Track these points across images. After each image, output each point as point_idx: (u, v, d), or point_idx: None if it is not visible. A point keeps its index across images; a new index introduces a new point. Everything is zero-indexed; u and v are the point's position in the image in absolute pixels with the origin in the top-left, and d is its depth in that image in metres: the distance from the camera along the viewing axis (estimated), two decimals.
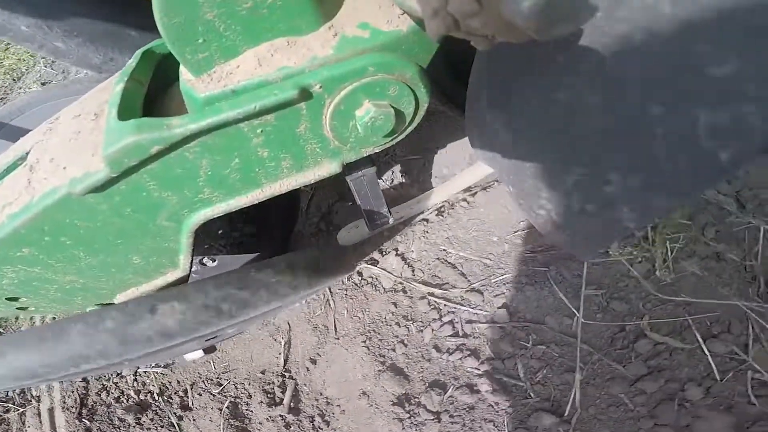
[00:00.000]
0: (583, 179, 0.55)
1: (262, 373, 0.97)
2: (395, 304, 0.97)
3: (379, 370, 0.90)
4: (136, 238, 0.73)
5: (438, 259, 1.01)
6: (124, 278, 0.79)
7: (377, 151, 0.71)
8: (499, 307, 0.94)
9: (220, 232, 0.95)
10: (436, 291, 0.96)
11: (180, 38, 0.56)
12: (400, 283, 1.00)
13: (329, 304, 0.99)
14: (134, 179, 0.64)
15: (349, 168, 0.80)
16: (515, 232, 1.01)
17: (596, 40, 0.45)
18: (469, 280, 0.98)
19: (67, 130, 0.69)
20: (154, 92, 0.70)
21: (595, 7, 0.34)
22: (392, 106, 0.62)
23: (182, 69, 0.63)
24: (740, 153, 0.43)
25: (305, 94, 0.57)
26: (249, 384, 0.96)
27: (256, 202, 0.72)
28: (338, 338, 0.95)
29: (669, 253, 1.02)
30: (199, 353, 0.83)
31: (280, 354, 0.96)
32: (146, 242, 0.74)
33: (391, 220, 0.89)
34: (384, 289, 1.00)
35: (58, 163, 0.67)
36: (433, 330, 0.94)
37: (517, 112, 0.59)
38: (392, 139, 0.69)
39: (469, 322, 0.93)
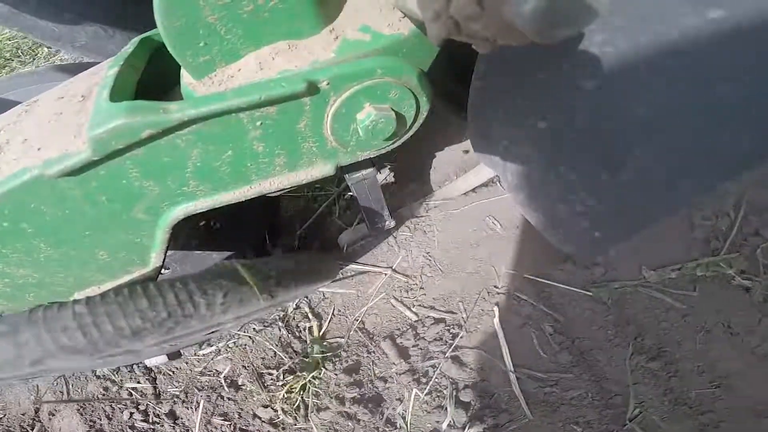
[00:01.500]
0: (585, 182, 0.57)
1: (23, 414, 1.35)
2: (106, 389, 1.32)
3: (88, 431, 1.27)
4: (106, 230, 0.68)
5: (141, 365, 1.33)
6: (85, 275, 0.73)
7: (374, 155, 0.72)
8: (166, 413, 1.25)
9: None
10: (138, 386, 1.31)
11: (181, 41, 0.57)
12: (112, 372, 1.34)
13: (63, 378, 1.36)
14: (116, 164, 0.61)
15: (350, 170, 0.81)
16: (195, 354, 1.28)
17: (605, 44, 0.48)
18: (156, 385, 1.31)
19: (47, 111, 0.66)
20: (150, 83, 0.69)
21: (597, 11, 0.37)
22: (393, 110, 0.63)
23: (183, 72, 0.63)
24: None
25: (312, 89, 0.58)
26: (15, 421, 1.35)
27: (243, 199, 0.70)
28: (67, 403, 1.33)
29: (299, 402, 1.01)
30: (163, 358, 0.76)
31: (33, 404, 1.36)
32: (117, 236, 0.70)
33: (392, 222, 0.90)
34: (98, 376, 1.34)
35: (31, 144, 0.63)
36: (131, 413, 1.25)
37: (522, 116, 0.62)
38: (392, 143, 0.70)
39: (156, 414, 1.25)
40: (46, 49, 2.57)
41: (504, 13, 0.40)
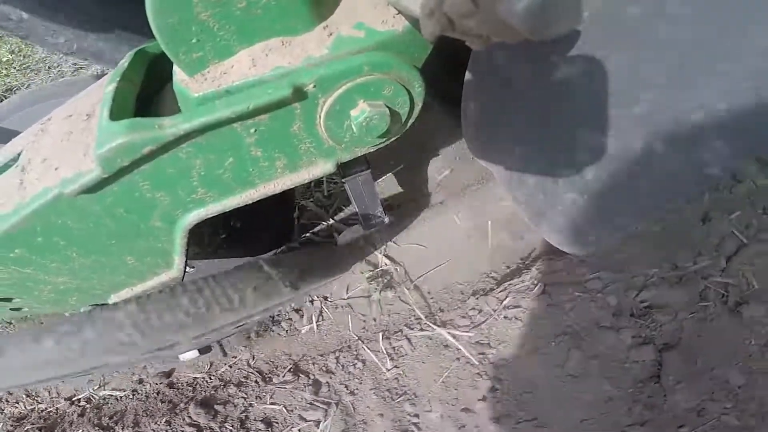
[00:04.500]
0: (577, 180, 0.55)
1: None
2: None
3: None
4: (129, 238, 0.72)
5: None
6: (117, 279, 0.78)
7: (371, 151, 0.71)
8: None
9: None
10: None
11: (174, 38, 0.55)
12: None
13: None
14: (126, 180, 0.63)
15: (345, 169, 0.80)
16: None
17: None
18: None
19: (59, 130, 0.68)
20: (149, 92, 0.69)
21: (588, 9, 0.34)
22: (387, 106, 0.61)
23: (176, 69, 0.62)
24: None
25: (299, 94, 0.57)
26: None
27: (250, 202, 0.71)
28: None
29: None
30: (194, 353, 0.83)
31: None
32: (139, 243, 0.73)
33: (386, 220, 0.89)
34: None
35: (50, 163, 0.66)
36: None
37: (514, 113, 0.59)
38: (387, 139, 0.68)
39: None
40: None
41: (498, 11, 0.37)
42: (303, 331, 1.14)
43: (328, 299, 1.16)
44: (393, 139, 0.69)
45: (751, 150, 0.45)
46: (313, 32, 0.58)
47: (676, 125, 0.45)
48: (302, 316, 1.15)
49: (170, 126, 0.57)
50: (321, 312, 1.15)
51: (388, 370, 1.08)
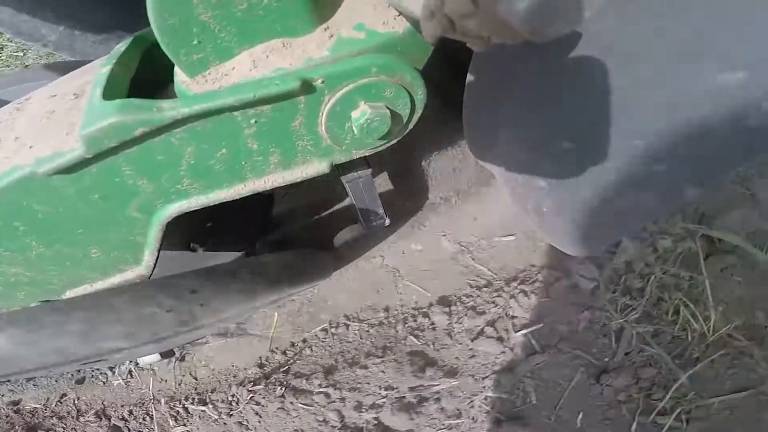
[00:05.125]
0: (584, 179, 0.57)
1: None
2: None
3: None
4: (99, 228, 0.68)
5: None
6: (78, 273, 0.72)
7: (369, 153, 0.72)
8: None
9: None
10: None
11: (175, 39, 0.56)
12: None
13: None
14: (109, 163, 0.61)
15: (345, 169, 0.81)
16: None
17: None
18: None
19: (40, 109, 0.65)
20: (142, 81, 0.69)
21: (589, 9, 0.37)
22: (388, 108, 0.63)
23: (177, 70, 0.63)
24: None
25: (307, 87, 0.58)
26: None
27: (237, 197, 0.70)
28: None
29: None
30: (156, 357, 0.76)
31: None
32: (111, 234, 0.69)
33: (387, 221, 0.90)
34: None
35: (23, 142, 0.62)
36: None
37: (515, 114, 0.63)
38: (387, 142, 0.70)
39: None
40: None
41: (498, 11, 0.39)
42: (115, 384, 1.39)
43: (138, 364, 1.39)
44: (393, 141, 0.71)
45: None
46: (314, 33, 0.60)
47: (677, 126, 0.47)
48: (115, 372, 1.40)
49: (169, 109, 0.56)
50: (130, 371, 1.40)
51: (175, 428, 1.28)
